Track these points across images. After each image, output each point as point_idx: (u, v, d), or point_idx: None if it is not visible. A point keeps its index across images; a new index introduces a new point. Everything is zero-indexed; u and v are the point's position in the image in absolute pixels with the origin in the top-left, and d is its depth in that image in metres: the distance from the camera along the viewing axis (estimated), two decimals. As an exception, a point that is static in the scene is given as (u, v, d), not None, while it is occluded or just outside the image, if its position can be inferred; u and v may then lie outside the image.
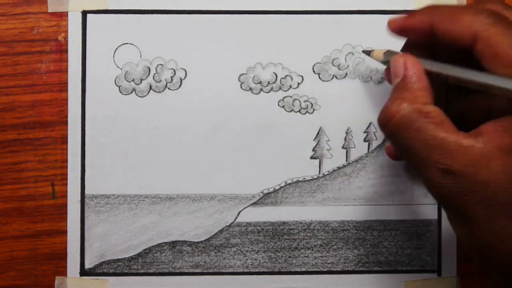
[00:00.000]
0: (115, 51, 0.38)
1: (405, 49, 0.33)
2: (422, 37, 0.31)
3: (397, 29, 0.32)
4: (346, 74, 0.38)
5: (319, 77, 0.38)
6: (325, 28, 0.38)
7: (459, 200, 0.28)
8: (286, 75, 0.38)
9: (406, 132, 0.29)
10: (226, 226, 0.38)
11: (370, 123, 0.38)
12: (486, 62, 0.28)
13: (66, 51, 0.38)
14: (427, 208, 0.39)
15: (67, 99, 0.38)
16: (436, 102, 0.30)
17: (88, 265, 0.38)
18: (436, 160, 0.28)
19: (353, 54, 0.38)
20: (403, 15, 0.32)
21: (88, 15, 0.38)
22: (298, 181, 0.38)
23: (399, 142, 0.30)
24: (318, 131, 0.38)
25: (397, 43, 0.38)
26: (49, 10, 0.38)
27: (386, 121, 0.30)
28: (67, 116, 0.38)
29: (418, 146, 0.28)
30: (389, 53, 0.33)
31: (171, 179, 0.38)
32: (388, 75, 0.35)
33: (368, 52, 0.36)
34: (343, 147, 0.38)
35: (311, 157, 0.38)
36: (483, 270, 0.39)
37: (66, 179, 0.38)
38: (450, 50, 0.30)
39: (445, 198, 0.28)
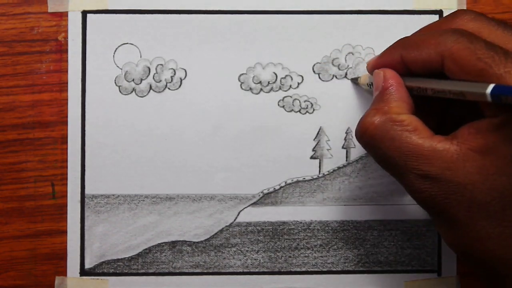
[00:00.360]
0: (115, 51, 0.38)
1: None
2: (398, 70, 0.32)
3: (373, 69, 0.34)
4: (346, 74, 0.38)
5: (319, 77, 0.38)
6: (325, 28, 0.38)
7: (440, 203, 0.28)
8: (286, 75, 0.38)
9: (381, 142, 0.30)
10: (226, 226, 0.38)
11: (370, 123, 0.38)
12: (457, 78, 0.28)
13: (66, 51, 0.38)
14: (427, 208, 0.39)
15: (67, 99, 0.38)
16: (421, 112, 0.31)
17: (88, 265, 0.38)
18: (413, 166, 0.28)
19: (353, 54, 0.38)
20: (375, 56, 0.34)
21: (88, 15, 0.38)
22: (298, 181, 0.38)
23: (375, 153, 0.31)
24: (318, 131, 0.38)
25: (397, 43, 0.38)
26: (49, 10, 0.38)
27: (362, 133, 0.31)
28: (67, 116, 0.38)
29: (394, 155, 0.29)
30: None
31: (171, 179, 0.38)
32: None
33: (355, 80, 0.38)
34: (343, 147, 0.38)
35: (311, 157, 0.38)
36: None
37: (66, 179, 0.38)
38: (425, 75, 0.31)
39: (426, 202, 0.29)
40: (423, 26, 0.37)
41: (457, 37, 0.28)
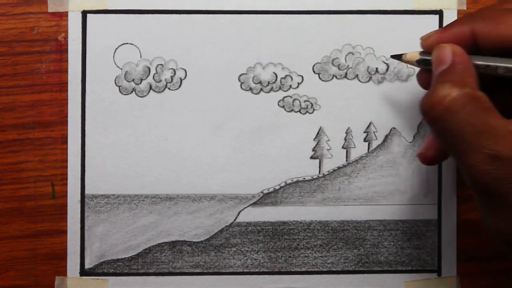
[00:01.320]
0: (115, 51, 0.38)
1: None
2: (464, 46, 0.31)
3: (433, 44, 0.32)
4: (346, 74, 0.38)
5: (319, 77, 0.38)
6: (325, 28, 0.38)
7: (505, 187, 0.27)
8: (286, 75, 0.38)
9: (455, 116, 0.28)
10: (226, 226, 0.38)
11: (370, 123, 0.38)
12: None
13: (66, 51, 0.38)
14: (427, 208, 0.39)
15: (67, 99, 0.38)
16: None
17: (88, 265, 0.38)
18: (485, 145, 0.27)
19: (353, 54, 0.38)
20: (437, 30, 0.32)
21: (88, 15, 0.38)
22: (298, 181, 0.38)
23: (445, 127, 0.29)
24: (318, 131, 0.38)
25: (398, 44, 0.38)
26: (49, 10, 0.38)
27: (433, 105, 0.29)
28: (67, 116, 0.38)
29: (467, 131, 0.28)
30: (425, 53, 0.33)
31: (171, 179, 0.38)
32: (422, 79, 0.34)
33: (398, 56, 0.35)
34: (343, 147, 0.38)
35: (311, 157, 0.38)
36: (483, 270, 0.39)
37: (66, 179, 0.38)
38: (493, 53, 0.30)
39: (489, 184, 0.28)
40: (423, 26, 0.37)
41: None
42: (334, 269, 0.39)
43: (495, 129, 0.27)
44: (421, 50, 0.33)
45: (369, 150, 0.39)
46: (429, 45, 0.32)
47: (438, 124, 0.29)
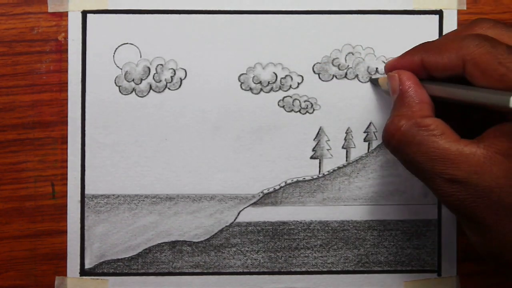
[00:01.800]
0: (115, 51, 0.38)
1: None
2: (417, 74, 0.32)
3: (392, 70, 0.33)
4: (346, 74, 0.38)
5: (319, 77, 0.38)
6: (325, 28, 0.38)
7: (468, 207, 0.28)
8: (286, 75, 0.38)
9: (408, 148, 0.30)
10: (226, 226, 0.38)
11: (370, 123, 0.38)
12: (478, 83, 0.28)
13: (66, 51, 0.38)
14: (427, 208, 0.39)
15: (67, 99, 0.38)
16: (440, 110, 0.30)
17: (88, 265, 0.38)
18: (440, 171, 0.28)
19: (353, 54, 0.38)
20: (395, 58, 0.34)
21: (88, 15, 0.38)
22: (298, 181, 0.38)
23: (403, 158, 0.31)
24: (318, 131, 0.38)
25: (398, 44, 0.38)
26: (49, 10, 0.38)
27: (389, 140, 0.31)
28: (67, 116, 0.38)
29: (421, 160, 0.29)
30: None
31: (171, 179, 0.38)
32: None
33: (375, 81, 0.37)
34: (343, 147, 0.38)
35: (311, 157, 0.38)
36: (483, 270, 0.39)
37: (66, 179, 0.38)
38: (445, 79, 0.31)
39: (455, 206, 0.29)
40: (423, 26, 0.37)
41: (479, 41, 0.28)
42: (334, 269, 0.39)
43: (448, 153, 0.28)
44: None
45: (369, 150, 0.39)
46: (388, 71, 0.34)
47: (396, 156, 0.31)
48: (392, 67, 0.33)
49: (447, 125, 0.29)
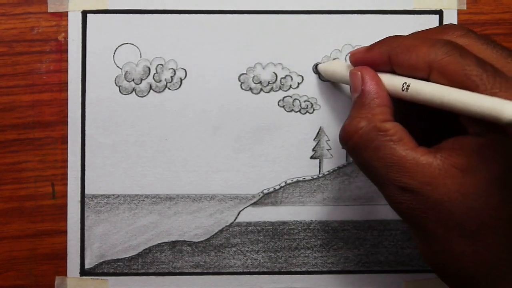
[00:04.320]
0: (115, 51, 0.38)
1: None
2: (382, 68, 0.31)
3: (357, 62, 0.32)
4: (346, 74, 0.38)
5: (319, 77, 0.38)
6: (325, 28, 0.38)
7: (418, 216, 0.28)
8: (286, 75, 0.38)
9: (365, 152, 0.29)
10: (226, 226, 0.38)
11: (370, 123, 0.38)
12: None
13: (66, 51, 0.38)
14: (427, 208, 0.39)
15: (67, 99, 0.38)
16: (399, 114, 0.30)
17: (88, 265, 0.38)
18: (394, 178, 0.28)
19: (353, 54, 0.38)
20: (363, 48, 0.32)
21: (88, 15, 0.38)
22: (298, 181, 0.38)
23: (358, 161, 0.30)
24: (318, 131, 0.38)
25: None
26: (49, 10, 0.38)
27: (346, 140, 0.30)
28: (67, 116, 0.38)
29: (376, 165, 0.29)
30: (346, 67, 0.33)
31: (171, 179, 0.38)
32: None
33: (315, 69, 0.37)
34: (343, 147, 0.38)
35: (311, 157, 0.38)
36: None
37: (66, 179, 0.38)
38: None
39: (404, 214, 0.29)
40: (423, 26, 0.37)
41: (449, 49, 0.27)
42: (334, 269, 0.39)
43: (403, 161, 0.28)
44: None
45: (369, 150, 0.38)
46: (353, 62, 0.33)
47: (352, 157, 0.31)
48: (358, 59, 0.32)
49: (405, 131, 0.29)
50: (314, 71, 0.38)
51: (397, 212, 0.29)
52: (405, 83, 0.29)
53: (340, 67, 0.35)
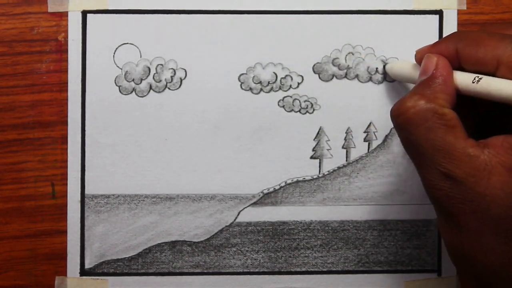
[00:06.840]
0: (115, 51, 0.38)
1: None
2: (450, 62, 0.31)
3: (422, 58, 0.32)
4: (346, 74, 0.38)
5: (319, 77, 0.38)
6: (325, 28, 0.38)
7: (454, 206, 0.28)
8: (286, 75, 0.38)
9: (415, 129, 0.29)
10: (226, 226, 0.38)
11: (370, 123, 0.38)
12: None
13: (66, 51, 0.38)
14: (427, 208, 0.39)
15: (67, 99, 0.38)
16: (460, 106, 0.30)
17: (88, 265, 0.38)
18: (439, 162, 0.28)
19: (353, 54, 0.38)
20: (428, 45, 0.32)
21: (88, 15, 0.38)
22: (298, 181, 0.38)
23: (406, 137, 0.30)
24: (318, 131, 0.38)
25: (398, 44, 0.38)
26: (49, 10, 0.38)
27: (399, 114, 0.30)
28: (67, 116, 0.38)
29: (424, 145, 0.29)
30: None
31: (171, 179, 0.38)
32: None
33: (388, 68, 0.37)
34: (343, 147, 0.38)
35: (311, 157, 0.38)
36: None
37: (66, 179, 0.38)
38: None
39: (441, 201, 0.29)
40: (423, 26, 0.37)
41: None
42: (334, 269, 0.39)
43: (452, 148, 0.28)
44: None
45: (369, 150, 0.39)
46: (419, 58, 0.33)
47: (401, 133, 0.30)
48: (424, 53, 0.32)
49: (459, 121, 0.29)
50: (381, 72, 0.38)
51: (431, 196, 0.29)
52: (477, 76, 0.29)
53: (408, 66, 0.35)
